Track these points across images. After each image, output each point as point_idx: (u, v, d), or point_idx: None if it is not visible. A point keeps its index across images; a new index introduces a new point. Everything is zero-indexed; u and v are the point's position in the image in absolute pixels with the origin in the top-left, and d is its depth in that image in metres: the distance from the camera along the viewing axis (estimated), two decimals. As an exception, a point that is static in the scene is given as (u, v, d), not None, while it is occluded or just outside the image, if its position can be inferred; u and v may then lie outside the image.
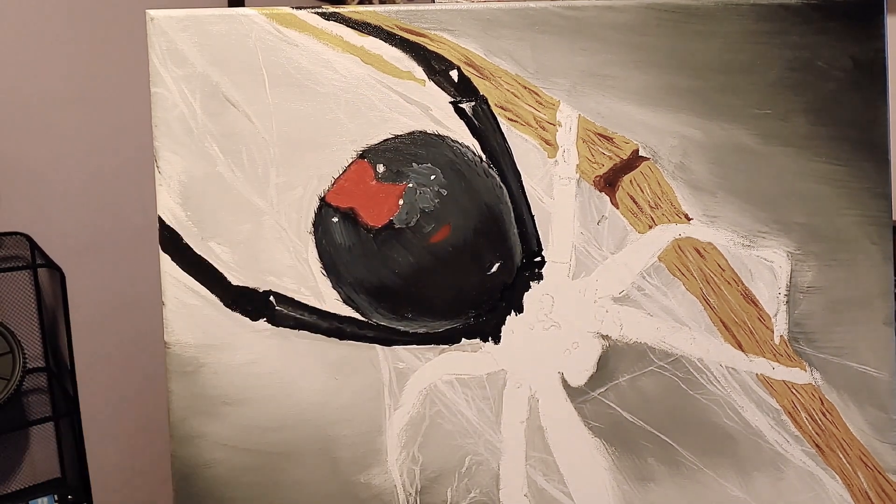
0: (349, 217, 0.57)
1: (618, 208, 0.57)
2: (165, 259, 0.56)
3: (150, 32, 0.56)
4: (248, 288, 0.57)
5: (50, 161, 1.35)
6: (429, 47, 0.56)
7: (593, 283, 0.57)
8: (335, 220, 0.57)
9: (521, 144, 0.56)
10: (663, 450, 0.56)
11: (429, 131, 0.57)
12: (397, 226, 0.56)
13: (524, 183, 0.57)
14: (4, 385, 1.18)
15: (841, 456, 0.56)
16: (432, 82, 0.56)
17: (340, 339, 0.57)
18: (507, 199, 0.57)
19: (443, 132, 0.57)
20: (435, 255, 0.56)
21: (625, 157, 0.57)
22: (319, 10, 0.57)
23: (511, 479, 0.57)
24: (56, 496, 1.30)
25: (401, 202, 0.56)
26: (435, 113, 0.56)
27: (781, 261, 0.56)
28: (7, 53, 1.28)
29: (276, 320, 0.57)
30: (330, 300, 0.57)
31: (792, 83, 0.56)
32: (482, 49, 0.56)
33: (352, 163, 0.57)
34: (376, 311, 0.57)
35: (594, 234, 0.57)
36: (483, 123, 0.56)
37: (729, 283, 0.56)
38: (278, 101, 0.56)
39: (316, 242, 0.57)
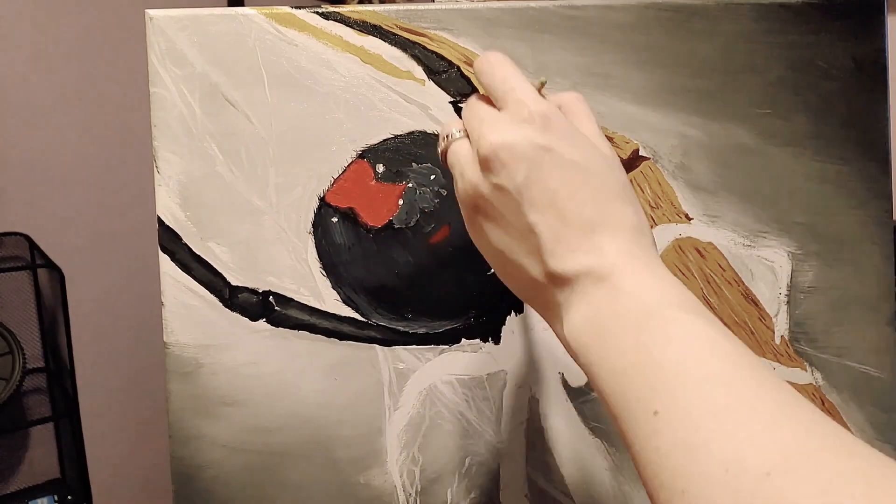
0: (349, 217, 0.56)
1: (618, 208, 0.57)
2: (165, 259, 0.56)
3: (149, 32, 0.56)
4: (247, 288, 0.57)
5: (50, 161, 1.35)
6: (429, 47, 0.56)
7: (593, 284, 0.56)
8: (335, 220, 0.57)
9: (521, 144, 0.56)
10: (664, 450, 0.56)
11: (428, 131, 0.56)
12: (397, 226, 0.56)
13: (524, 183, 0.56)
14: (4, 385, 1.18)
15: (841, 456, 0.56)
16: (432, 82, 0.56)
17: (340, 339, 0.57)
18: (507, 199, 0.56)
19: (442, 132, 0.56)
20: (435, 255, 0.56)
21: (625, 157, 0.56)
22: (319, 10, 0.56)
23: (511, 479, 0.57)
24: (56, 496, 1.30)
25: (400, 202, 0.56)
26: (435, 113, 0.56)
27: (782, 261, 0.56)
28: (6, 53, 1.28)
29: (276, 321, 0.57)
30: (329, 300, 0.57)
31: (792, 83, 0.56)
32: (482, 48, 0.56)
33: (351, 163, 0.56)
34: (376, 312, 0.57)
35: (594, 234, 0.56)
36: (483, 123, 0.56)
37: (729, 283, 0.56)
38: (278, 100, 0.56)
39: (315, 242, 0.57)
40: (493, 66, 0.41)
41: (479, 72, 0.42)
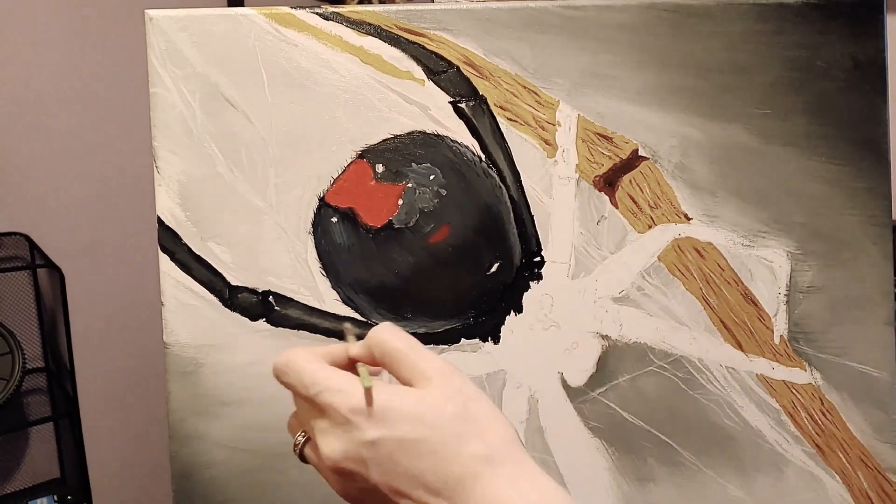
0: (348, 217, 0.56)
1: (617, 208, 0.57)
2: (165, 259, 0.56)
3: (150, 32, 0.56)
4: (247, 288, 0.57)
5: (50, 161, 1.35)
6: (428, 47, 0.56)
7: (593, 283, 0.57)
8: (334, 220, 0.57)
9: (521, 144, 0.56)
10: (663, 450, 0.56)
11: (428, 131, 0.56)
12: (396, 226, 0.56)
13: (523, 183, 0.56)
14: (4, 385, 1.18)
15: (841, 456, 0.56)
16: (431, 82, 0.56)
17: (340, 339, 0.57)
18: (507, 199, 0.56)
19: (442, 132, 0.57)
20: (434, 255, 0.56)
21: (624, 157, 0.56)
22: (319, 10, 0.57)
23: (511, 479, 0.57)
24: (56, 496, 1.30)
25: (400, 202, 0.56)
26: (434, 113, 0.56)
27: (781, 261, 0.56)
28: (7, 53, 1.28)
29: (276, 321, 0.57)
30: (329, 300, 0.57)
31: (792, 83, 0.56)
32: (482, 49, 0.56)
33: (351, 163, 0.56)
34: (376, 312, 0.57)
35: (594, 234, 0.57)
36: (482, 123, 0.56)
37: (729, 282, 0.56)
38: (278, 101, 0.56)
39: (315, 242, 0.57)
40: (290, 369, 0.39)
41: (279, 376, 0.40)
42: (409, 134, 0.56)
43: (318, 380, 0.38)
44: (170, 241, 0.56)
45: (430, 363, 0.39)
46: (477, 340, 0.57)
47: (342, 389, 0.37)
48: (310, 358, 0.39)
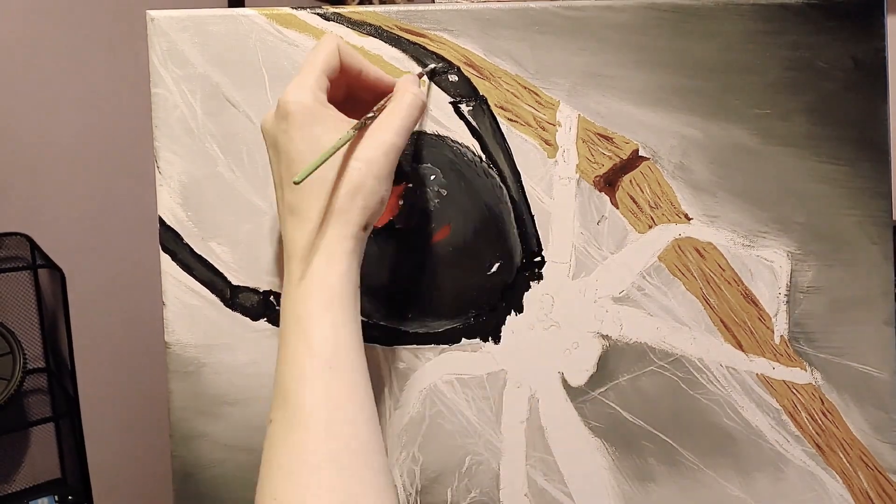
0: (349, 217, 0.56)
1: (618, 208, 0.57)
2: (165, 259, 0.56)
3: (151, 33, 0.56)
4: (248, 288, 0.57)
5: (51, 161, 1.35)
6: (429, 47, 0.56)
7: (593, 283, 0.57)
8: (335, 220, 0.57)
9: (521, 144, 0.56)
10: (664, 450, 0.56)
11: (428, 131, 0.57)
12: (397, 226, 0.56)
13: (524, 183, 0.57)
14: (4, 386, 1.18)
15: (841, 456, 0.56)
16: (432, 82, 0.56)
17: (341, 339, 0.57)
18: (507, 199, 0.57)
19: (443, 132, 0.57)
20: (435, 255, 0.56)
21: (625, 157, 0.57)
22: (319, 11, 0.57)
23: (511, 479, 0.57)
24: (56, 497, 1.30)
25: (401, 202, 0.56)
26: (434, 113, 0.56)
27: (782, 261, 0.56)
28: (7, 53, 1.28)
29: (277, 320, 0.57)
30: (330, 300, 0.57)
31: (792, 83, 0.56)
32: (482, 49, 0.56)
33: (352, 163, 0.56)
34: (376, 311, 0.57)
35: (594, 234, 0.57)
36: (483, 124, 0.56)
37: (729, 282, 0.56)
38: (278, 101, 0.56)
39: (316, 242, 0.57)
40: (317, 46, 0.48)
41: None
42: (409, 134, 0.56)
43: (305, 68, 0.47)
44: (171, 242, 0.57)
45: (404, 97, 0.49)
46: (478, 340, 0.57)
47: (295, 86, 0.45)
48: (326, 50, 0.48)
